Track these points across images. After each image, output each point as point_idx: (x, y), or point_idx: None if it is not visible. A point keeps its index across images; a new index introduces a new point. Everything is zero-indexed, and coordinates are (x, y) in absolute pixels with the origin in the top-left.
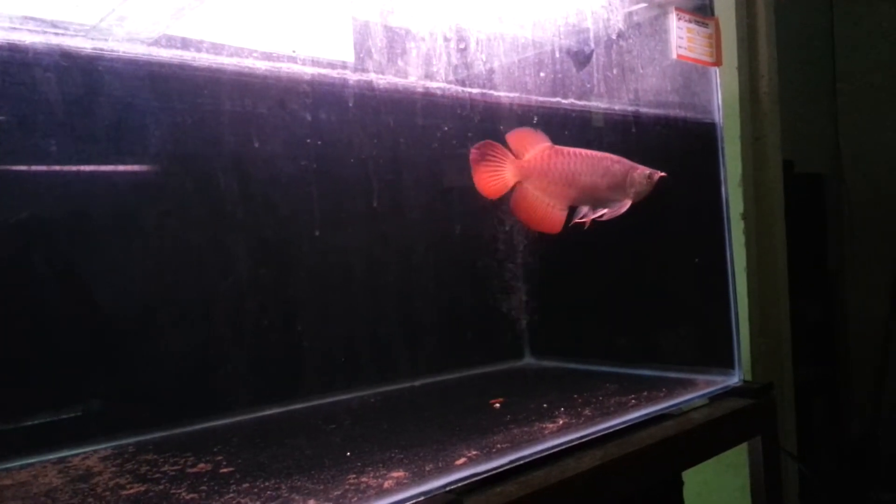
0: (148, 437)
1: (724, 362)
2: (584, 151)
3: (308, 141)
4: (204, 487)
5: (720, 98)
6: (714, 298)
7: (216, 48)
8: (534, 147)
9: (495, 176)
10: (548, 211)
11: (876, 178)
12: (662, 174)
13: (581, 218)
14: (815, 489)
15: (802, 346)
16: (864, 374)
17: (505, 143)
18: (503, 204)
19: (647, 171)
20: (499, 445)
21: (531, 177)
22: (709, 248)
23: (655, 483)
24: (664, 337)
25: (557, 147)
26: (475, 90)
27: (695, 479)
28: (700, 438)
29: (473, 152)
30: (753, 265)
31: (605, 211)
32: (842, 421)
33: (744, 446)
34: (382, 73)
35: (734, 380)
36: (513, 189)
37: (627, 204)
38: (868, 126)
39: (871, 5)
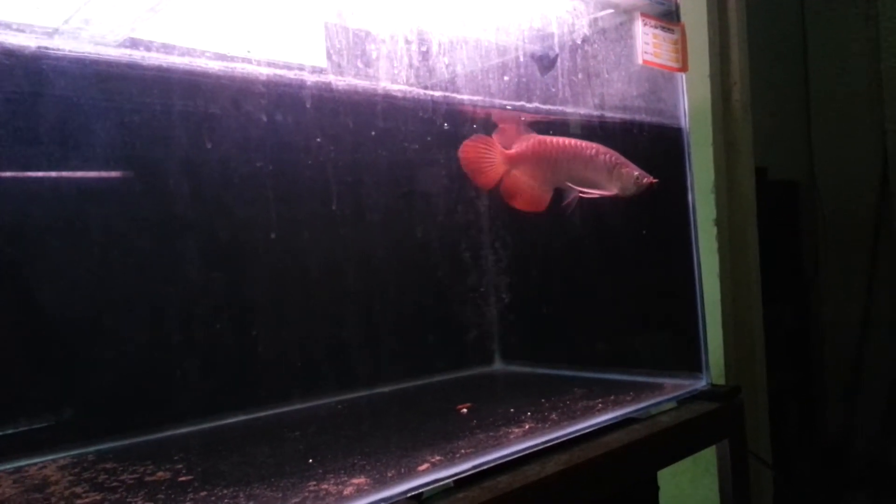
0: (108, 445)
1: (693, 366)
2: (567, 140)
3: (266, 142)
4: (161, 496)
5: (686, 103)
6: (683, 303)
7: (167, 49)
8: (520, 138)
9: (488, 166)
10: (534, 193)
11: (849, 184)
12: (653, 180)
13: (567, 202)
14: (788, 493)
15: (777, 352)
16: (838, 379)
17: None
18: (473, 206)
19: (637, 172)
20: (463, 450)
21: (519, 164)
22: (678, 252)
23: (630, 487)
24: (634, 341)
25: (542, 136)
26: (437, 93)
27: (671, 483)
28: (667, 441)
29: (465, 146)
30: (726, 271)
31: (590, 191)
32: (817, 425)
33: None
34: (342, 76)
35: (702, 383)
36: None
37: (611, 192)
38: (841, 133)
39: (842, 12)
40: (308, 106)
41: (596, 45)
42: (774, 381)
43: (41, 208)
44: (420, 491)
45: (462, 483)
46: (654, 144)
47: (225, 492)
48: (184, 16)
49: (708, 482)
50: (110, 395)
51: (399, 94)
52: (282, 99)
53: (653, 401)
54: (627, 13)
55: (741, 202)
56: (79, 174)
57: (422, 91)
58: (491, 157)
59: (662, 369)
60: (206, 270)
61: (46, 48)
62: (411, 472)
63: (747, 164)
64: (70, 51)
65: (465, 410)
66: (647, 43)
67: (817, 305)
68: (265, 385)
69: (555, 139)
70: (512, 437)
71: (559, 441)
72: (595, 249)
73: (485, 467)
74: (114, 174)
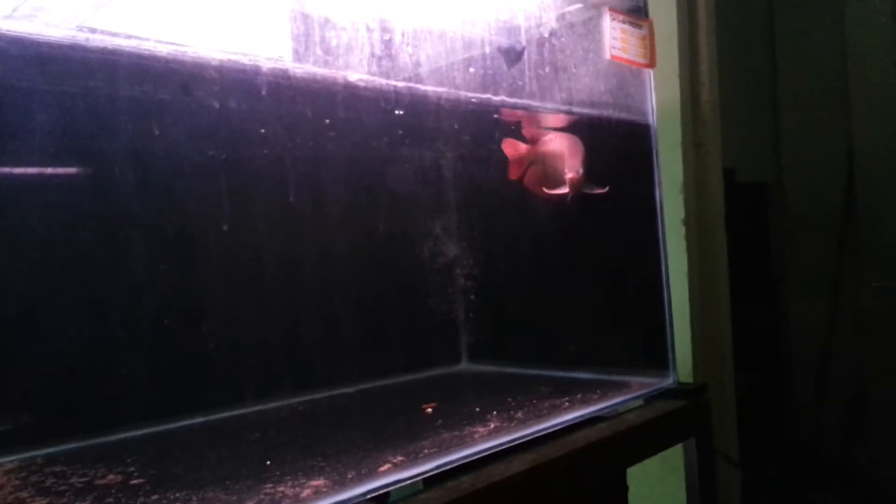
0: (59, 448)
1: (660, 365)
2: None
3: (221, 131)
4: (110, 500)
5: (655, 102)
6: (651, 302)
7: (114, 35)
8: (545, 135)
9: (519, 161)
10: (559, 177)
11: (816, 185)
12: (572, 175)
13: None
14: (755, 494)
15: (745, 352)
16: (806, 380)
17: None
18: (440, 202)
19: (574, 171)
20: (426, 450)
21: (546, 155)
22: (646, 251)
23: (599, 487)
24: (602, 340)
25: (560, 133)
26: (400, 83)
27: (641, 482)
28: (634, 440)
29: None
30: (694, 270)
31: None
32: (785, 426)
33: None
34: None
35: (669, 381)
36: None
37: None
38: (808, 135)
39: (811, 12)
40: (264, 93)
41: (563, 39)
42: (742, 382)
43: None
44: (381, 492)
45: (426, 483)
46: (623, 142)
47: (178, 495)
48: (142, 4)
49: (676, 482)
50: (61, 396)
51: (360, 84)
52: (236, 86)
53: (619, 399)
54: (596, 8)
55: (710, 203)
56: (17, 162)
57: (383, 80)
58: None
59: (630, 368)
60: (156, 265)
61: None
62: (372, 473)
63: (716, 165)
64: (8, 30)
65: (429, 410)
66: (615, 38)
67: (785, 306)
68: (223, 386)
69: (563, 134)
70: (477, 436)
71: (525, 440)
72: (563, 248)
73: (449, 467)
74: (55, 162)
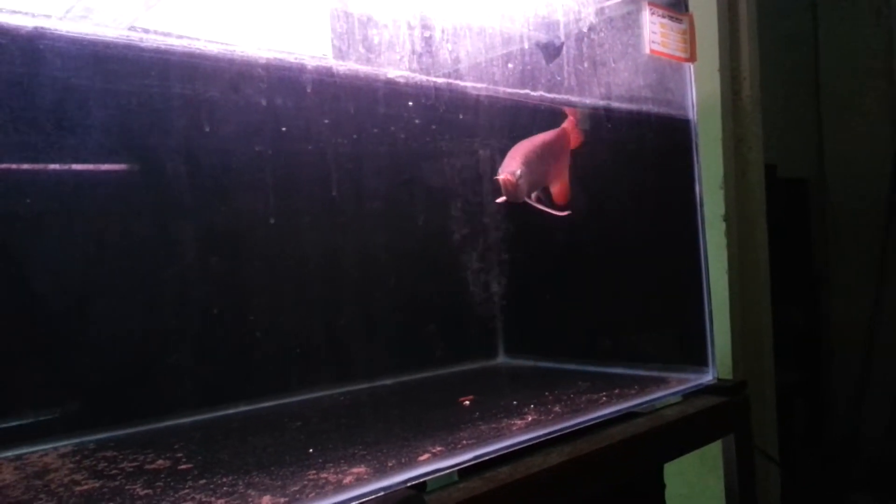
0: (110, 434)
1: (699, 361)
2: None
3: (267, 127)
4: (160, 483)
5: (695, 97)
6: (690, 298)
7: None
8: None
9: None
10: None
11: (859, 183)
12: (502, 177)
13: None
14: (794, 492)
15: (786, 351)
16: (846, 379)
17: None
18: (479, 198)
19: (505, 172)
20: (464, 441)
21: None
22: (685, 247)
23: (635, 484)
24: (640, 336)
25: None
26: (440, 80)
27: (678, 481)
28: (672, 435)
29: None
30: (735, 267)
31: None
32: (824, 424)
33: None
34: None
35: (708, 378)
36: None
37: None
38: (852, 131)
39: (854, 7)
40: (309, 91)
41: (602, 34)
42: (782, 379)
43: (39, 193)
44: (420, 480)
45: (463, 473)
46: (662, 137)
47: (224, 480)
48: (187, 6)
49: (714, 480)
50: (112, 384)
51: (401, 80)
52: (283, 84)
53: (657, 395)
54: (635, 2)
55: (750, 199)
56: (75, 157)
57: (423, 77)
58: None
59: (668, 364)
60: (205, 257)
61: (44, 28)
62: (412, 462)
63: (757, 161)
64: (67, 31)
65: (467, 403)
66: (655, 32)
67: (826, 304)
68: (267, 375)
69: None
70: (514, 428)
71: (562, 433)
72: (601, 243)
73: (486, 458)
74: (111, 157)
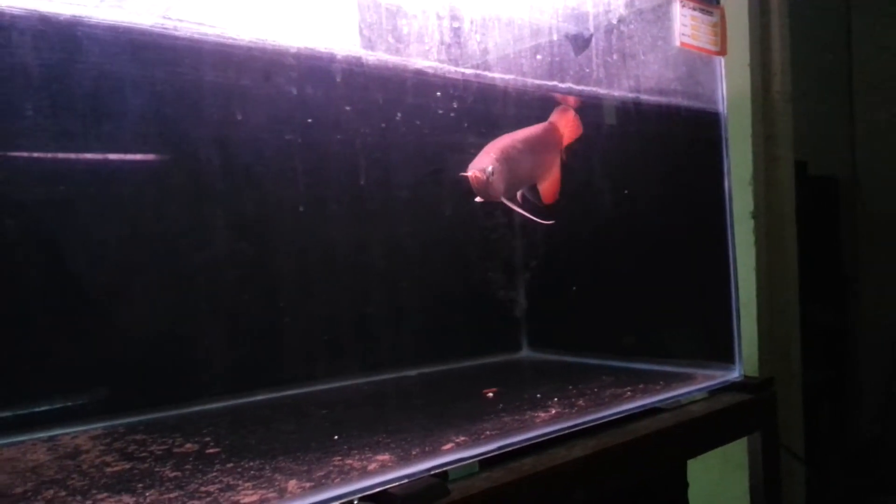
0: (139, 418)
1: (726, 358)
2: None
3: (297, 116)
4: (188, 466)
5: (724, 89)
6: (717, 294)
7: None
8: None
9: None
10: None
11: (891, 181)
12: (471, 174)
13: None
14: (819, 492)
15: (814, 350)
16: (874, 380)
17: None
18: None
19: (474, 168)
20: (488, 432)
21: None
22: (712, 243)
23: (658, 481)
24: (665, 332)
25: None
26: (468, 70)
27: (702, 480)
28: (697, 431)
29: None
30: (763, 264)
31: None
32: (851, 425)
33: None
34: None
35: (734, 374)
36: None
37: None
38: (885, 128)
39: (889, 2)
40: (338, 80)
41: (632, 26)
42: (810, 378)
43: (73, 179)
44: (444, 469)
45: (487, 463)
46: (691, 131)
47: (251, 464)
48: None
49: (738, 479)
50: (142, 369)
51: (430, 71)
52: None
53: (683, 390)
54: None
55: (780, 196)
56: (111, 144)
57: (452, 68)
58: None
59: (694, 360)
60: (235, 244)
61: (81, 16)
62: (435, 451)
63: (787, 158)
64: (105, 19)
65: (491, 395)
66: (685, 25)
67: (856, 303)
68: (294, 363)
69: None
70: (538, 420)
71: (586, 426)
72: (626, 237)
73: (510, 449)
74: (145, 144)
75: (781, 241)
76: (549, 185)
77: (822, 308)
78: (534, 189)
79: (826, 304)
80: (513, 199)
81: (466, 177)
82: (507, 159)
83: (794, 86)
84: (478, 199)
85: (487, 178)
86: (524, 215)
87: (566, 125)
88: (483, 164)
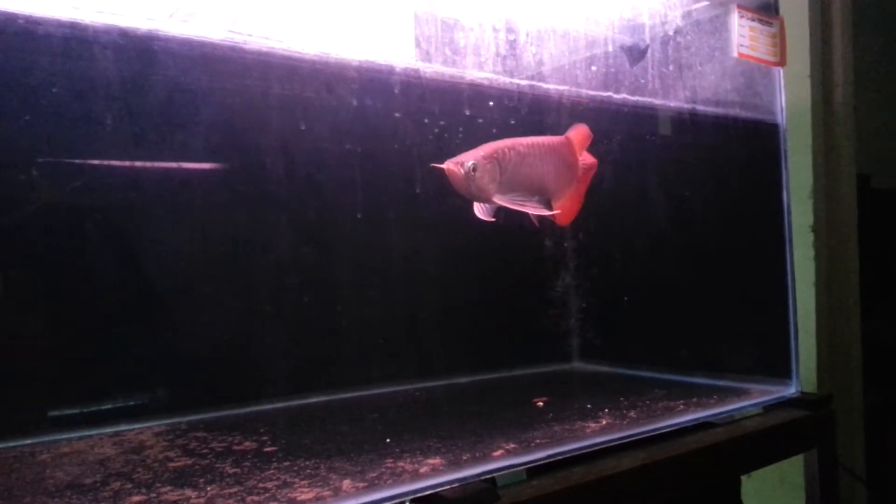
0: (200, 416)
1: (782, 373)
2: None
3: (357, 126)
4: (247, 463)
5: (784, 100)
6: (775, 309)
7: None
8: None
9: None
10: None
11: None
12: (441, 166)
13: None
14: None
15: (877, 369)
16: None
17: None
18: None
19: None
20: (538, 440)
21: None
22: (769, 256)
23: (710, 499)
24: (720, 346)
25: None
26: (523, 81)
27: (756, 500)
28: (751, 447)
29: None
30: (823, 279)
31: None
32: None
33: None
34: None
35: (791, 391)
36: None
37: None
38: None
39: None
40: (397, 92)
41: (689, 37)
42: (873, 398)
43: (144, 185)
44: (493, 475)
45: (536, 471)
46: (749, 142)
47: (307, 463)
48: (279, 11)
49: (795, 498)
50: (204, 370)
51: (485, 82)
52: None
53: (737, 405)
54: (723, 5)
55: (841, 209)
56: (183, 152)
57: (507, 79)
58: None
59: (749, 375)
60: (297, 249)
61: (157, 30)
62: (485, 458)
63: (848, 170)
64: (179, 33)
65: (541, 404)
66: (743, 35)
67: None
68: (349, 367)
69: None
70: (588, 431)
71: (637, 438)
72: (682, 249)
73: (560, 458)
74: (215, 153)
75: (842, 256)
76: (566, 204)
77: (885, 325)
78: (546, 202)
79: (889, 320)
80: (512, 201)
81: (441, 168)
82: (501, 160)
83: (856, 96)
84: (481, 215)
85: (467, 173)
86: (524, 211)
87: (580, 141)
88: (464, 159)
